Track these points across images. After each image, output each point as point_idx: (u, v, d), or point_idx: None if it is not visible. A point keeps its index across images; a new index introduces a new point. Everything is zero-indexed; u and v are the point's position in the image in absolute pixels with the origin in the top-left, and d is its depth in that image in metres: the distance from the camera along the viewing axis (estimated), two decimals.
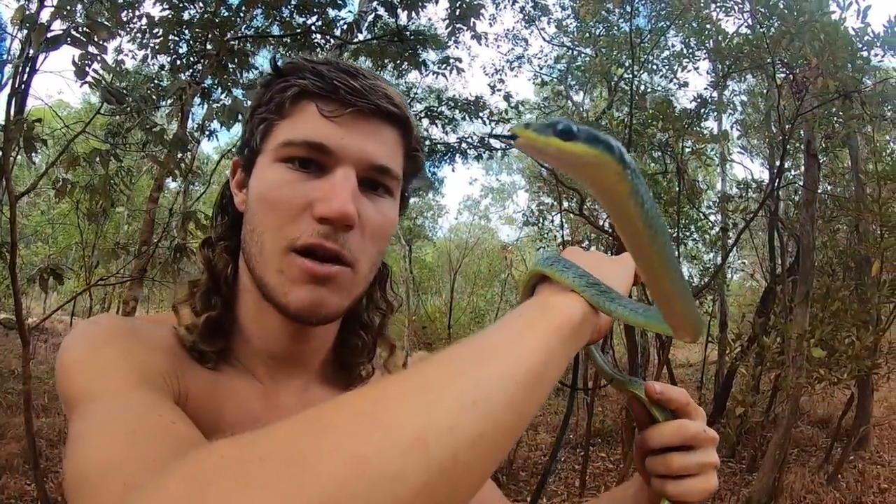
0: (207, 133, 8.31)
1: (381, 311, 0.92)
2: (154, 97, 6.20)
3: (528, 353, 0.51)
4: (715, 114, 9.80)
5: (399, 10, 5.93)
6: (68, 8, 3.47)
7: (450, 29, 6.20)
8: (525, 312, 0.58)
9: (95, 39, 3.25)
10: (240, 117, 3.99)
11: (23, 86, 3.99)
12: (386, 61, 7.04)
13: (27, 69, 3.97)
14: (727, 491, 6.20)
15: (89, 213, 4.90)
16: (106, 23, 3.37)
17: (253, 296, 0.79)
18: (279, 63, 0.79)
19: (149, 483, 0.42)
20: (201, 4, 5.80)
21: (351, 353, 0.89)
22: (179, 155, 4.43)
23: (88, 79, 3.43)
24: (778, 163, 6.85)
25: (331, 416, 0.43)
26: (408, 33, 6.41)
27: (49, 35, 3.29)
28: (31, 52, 3.66)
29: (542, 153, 0.46)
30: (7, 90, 4.06)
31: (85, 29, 3.19)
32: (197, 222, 4.37)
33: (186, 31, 6.00)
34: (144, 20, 5.80)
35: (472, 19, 6.04)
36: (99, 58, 3.35)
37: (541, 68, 11.60)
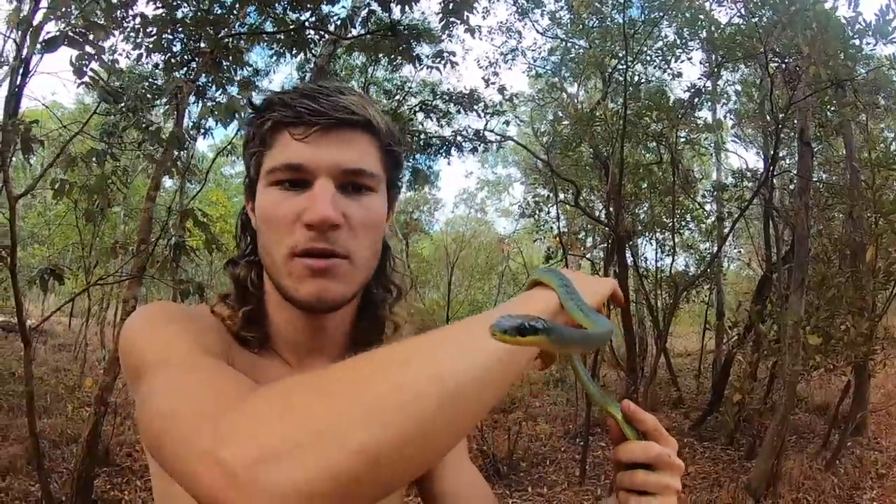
0: (202, 131, 8.31)
1: (386, 290, 1.04)
2: (149, 96, 6.20)
3: None
4: (709, 104, 9.82)
5: (392, 5, 5.91)
6: (63, 9, 3.48)
7: (443, 23, 6.20)
8: (517, 298, 0.76)
9: (92, 39, 3.25)
10: (237, 116, 4.00)
11: (15, 89, 4.00)
12: (380, 56, 7.03)
13: (21, 71, 3.97)
14: (726, 478, 6.25)
15: (87, 212, 4.90)
16: (101, 22, 3.37)
17: (274, 296, 0.93)
18: (254, 101, 0.92)
19: (240, 403, 0.56)
20: (194, 2, 5.79)
21: (363, 333, 1.01)
22: (176, 153, 4.43)
23: (86, 79, 3.44)
24: (772, 152, 6.85)
25: (373, 360, 0.59)
26: (401, 28, 6.41)
27: (46, 37, 3.29)
28: (25, 53, 3.66)
29: (509, 343, 0.59)
30: (4, 92, 4.06)
31: (81, 29, 3.20)
32: (195, 219, 4.38)
33: (180, 30, 5.99)
34: (138, 19, 5.78)
35: (466, 13, 6.04)
36: (97, 57, 3.36)
37: (535, 60, 11.58)
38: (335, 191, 0.85)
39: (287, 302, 0.89)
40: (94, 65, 3.39)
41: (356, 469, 0.50)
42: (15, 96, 4.01)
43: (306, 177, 0.85)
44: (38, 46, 3.33)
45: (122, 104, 3.99)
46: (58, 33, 3.24)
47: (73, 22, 3.33)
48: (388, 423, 0.52)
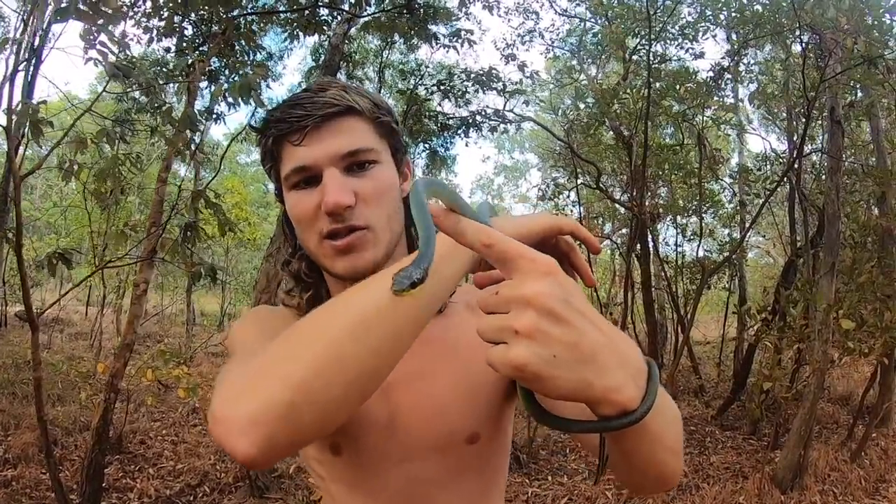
0: (215, 116, 8.22)
1: None
2: (159, 80, 6.09)
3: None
4: (731, 84, 9.61)
5: None
6: None
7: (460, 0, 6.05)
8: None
9: (103, 10, 3.13)
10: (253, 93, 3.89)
11: (18, 68, 3.90)
12: (395, 38, 6.90)
13: (29, 50, 3.87)
14: (750, 468, 6.12)
15: (96, 193, 4.79)
16: None
17: (329, 275, 1.11)
18: (254, 125, 1.10)
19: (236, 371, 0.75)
20: None
21: None
22: (189, 134, 4.32)
23: (94, 53, 3.33)
24: (802, 131, 6.67)
25: (310, 315, 0.74)
26: (417, 6, 6.27)
27: (59, 7, 3.17)
28: (38, 32, 3.55)
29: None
30: (19, 75, 3.96)
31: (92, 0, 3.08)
32: (207, 200, 4.28)
33: (192, 12, 5.89)
34: (149, 3, 5.68)
35: None
36: (107, 29, 3.23)
37: (552, 42, 11.34)
38: (343, 176, 0.97)
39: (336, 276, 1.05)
40: (103, 37, 3.28)
41: (287, 395, 0.65)
42: (29, 76, 3.92)
43: (315, 174, 0.98)
44: (47, 19, 3.23)
45: (134, 82, 3.88)
46: (67, 3, 3.12)
47: None
48: (303, 354, 0.67)
